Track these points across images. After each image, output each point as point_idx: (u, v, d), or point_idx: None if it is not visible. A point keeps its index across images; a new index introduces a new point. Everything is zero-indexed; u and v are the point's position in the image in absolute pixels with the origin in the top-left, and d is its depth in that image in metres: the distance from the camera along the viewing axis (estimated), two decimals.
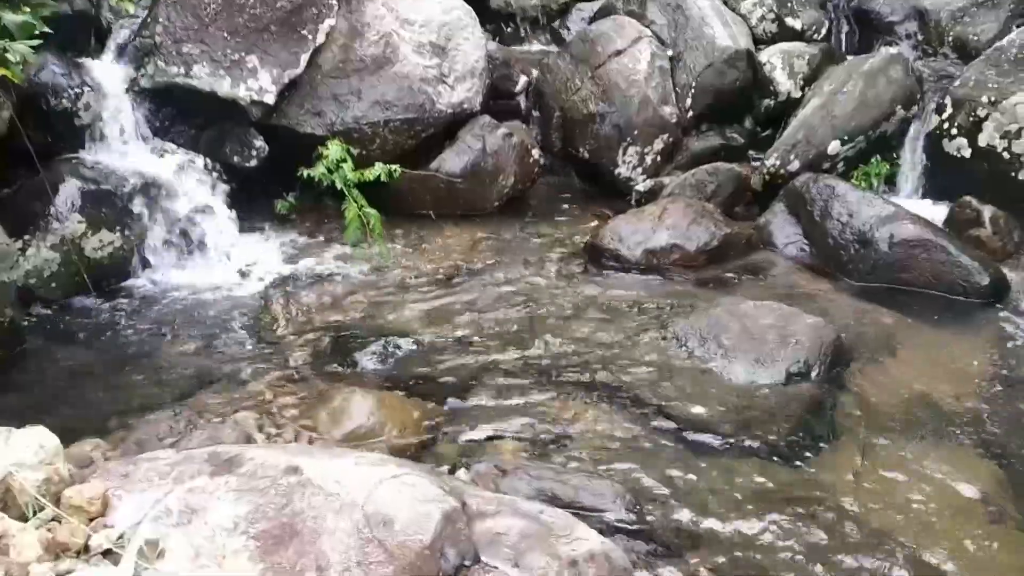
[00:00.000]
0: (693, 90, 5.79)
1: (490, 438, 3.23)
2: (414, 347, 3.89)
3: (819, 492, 3.03)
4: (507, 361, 3.81)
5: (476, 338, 4.02)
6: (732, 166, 5.52)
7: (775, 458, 3.18)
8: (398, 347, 3.86)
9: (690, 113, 5.82)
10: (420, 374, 3.68)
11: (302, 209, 5.41)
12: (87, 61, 5.10)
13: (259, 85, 5.00)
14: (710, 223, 4.88)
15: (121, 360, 3.86)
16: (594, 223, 5.36)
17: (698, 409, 3.37)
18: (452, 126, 5.51)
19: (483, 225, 5.37)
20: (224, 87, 4.96)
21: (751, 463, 3.13)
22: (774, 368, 3.56)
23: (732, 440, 3.22)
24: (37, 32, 3.21)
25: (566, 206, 5.72)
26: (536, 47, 7.24)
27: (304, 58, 5.11)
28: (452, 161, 5.41)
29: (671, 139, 5.75)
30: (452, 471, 2.86)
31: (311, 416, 3.16)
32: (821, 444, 3.29)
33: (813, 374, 3.58)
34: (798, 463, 3.17)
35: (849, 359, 3.76)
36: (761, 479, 3.06)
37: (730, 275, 4.63)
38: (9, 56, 2.93)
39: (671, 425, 3.31)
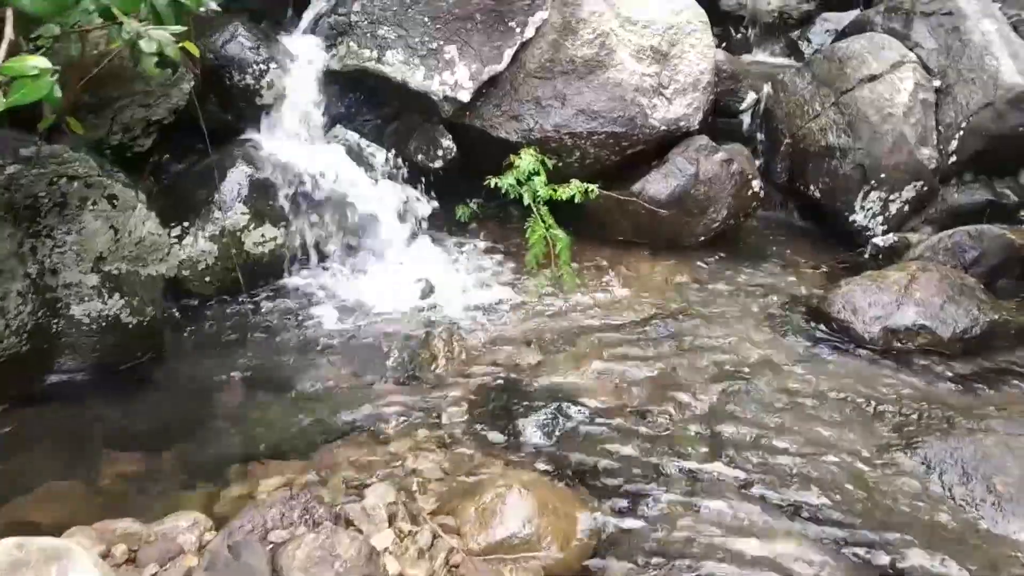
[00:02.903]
0: (961, 132, 4.78)
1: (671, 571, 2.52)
2: (588, 419, 3.22)
3: None
4: (697, 454, 3.07)
5: (663, 415, 3.30)
6: (1002, 231, 4.49)
7: None
8: (569, 417, 3.20)
9: (952, 159, 4.82)
10: (591, 459, 3.00)
11: (484, 217, 4.85)
12: (280, 35, 4.72)
13: (455, 79, 4.45)
14: (971, 303, 3.92)
15: (259, 381, 3.42)
16: (819, 280, 4.49)
17: None
18: (663, 144, 4.77)
19: (685, 263, 4.62)
20: (417, 78, 4.44)
21: None
22: None
23: None
24: (203, 9, 2.75)
25: (785, 251, 4.87)
26: (767, 58, 6.35)
27: (508, 54, 4.51)
28: (657, 185, 4.68)
29: (925, 188, 4.78)
30: None
31: (455, 511, 2.55)
32: None
33: None
34: None
35: None
36: None
37: (995, 376, 3.66)
38: (143, 45, 2.44)
39: None
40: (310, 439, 3.05)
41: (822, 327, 3.97)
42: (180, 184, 4.15)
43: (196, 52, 3.47)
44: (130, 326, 3.40)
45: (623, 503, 2.79)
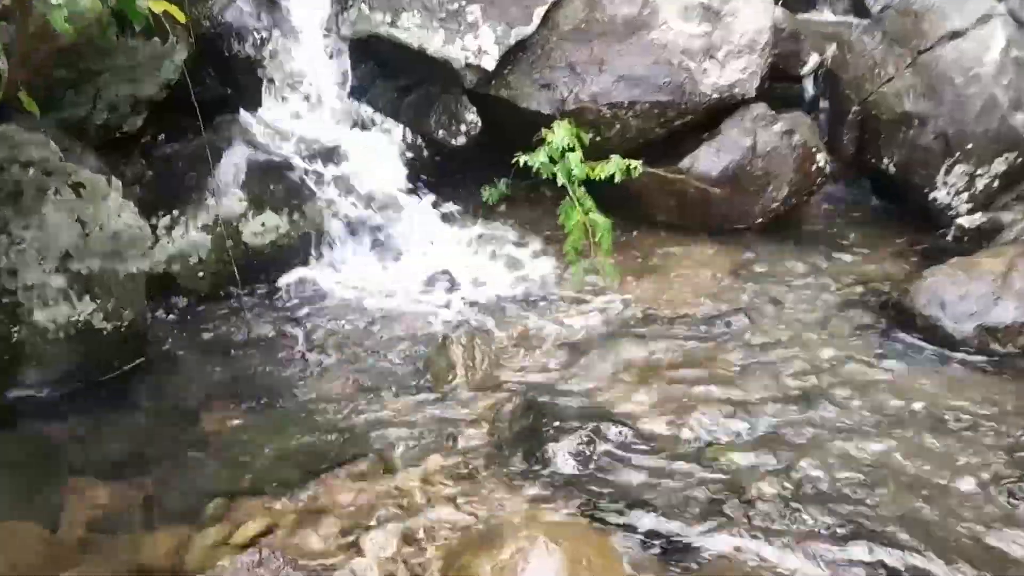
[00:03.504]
0: None
1: None
2: (630, 443, 2.72)
3: None
4: (762, 490, 2.54)
5: (719, 439, 2.79)
6: None
7: None
8: (608, 440, 2.70)
9: None
10: (633, 495, 2.51)
11: (514, 198, 4.36)
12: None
13: (478, 44, 3.96)
14: None
15: (252, 396, 2.99)
16: (897, 268, 3.93)
17: None
18: (714, 114, 4.24)
19: (741, 249, 4.10)
20: (435, 43, 3.96)
21: None
22: None
23: None
24: None
25: (856, 234, 4.31)
26: (831, 16, 5.73)
27: (538, 13, 4.02)
28: (709, 160, 4.16)
29: (1019, 159, 4.17)
30: None
31: (468, 568, 2.09)
32: None
33: None
34: None
35: None
36: None
37: None
38: None
39: None
40: (304, 468, 2.61)
41: (904, 325, 3.42)
42: (171, 168, 3.72)
43: (182, 18, 3.02)
44: (105, 332, 2.99)
45: (674, 555, 2.30)
